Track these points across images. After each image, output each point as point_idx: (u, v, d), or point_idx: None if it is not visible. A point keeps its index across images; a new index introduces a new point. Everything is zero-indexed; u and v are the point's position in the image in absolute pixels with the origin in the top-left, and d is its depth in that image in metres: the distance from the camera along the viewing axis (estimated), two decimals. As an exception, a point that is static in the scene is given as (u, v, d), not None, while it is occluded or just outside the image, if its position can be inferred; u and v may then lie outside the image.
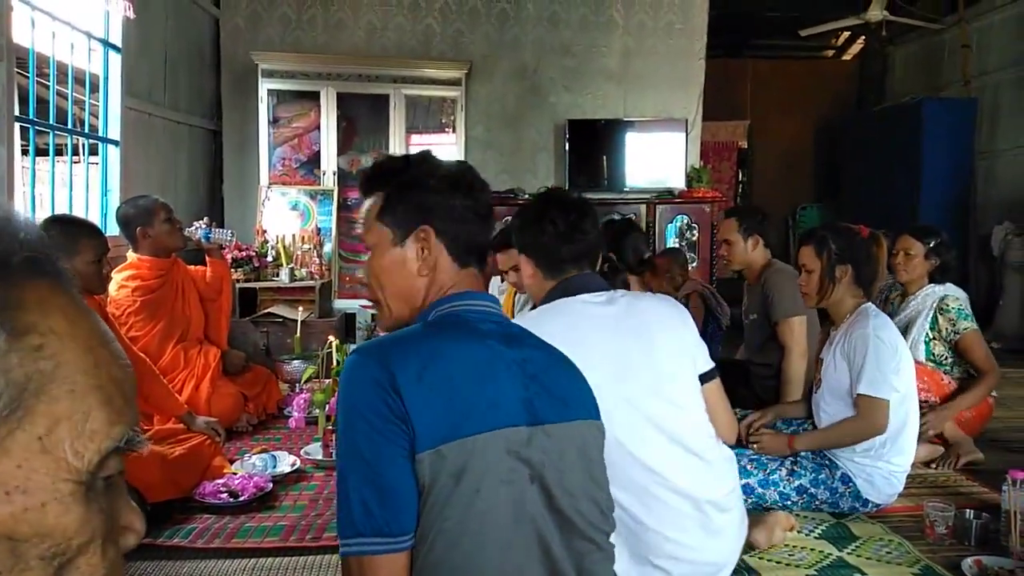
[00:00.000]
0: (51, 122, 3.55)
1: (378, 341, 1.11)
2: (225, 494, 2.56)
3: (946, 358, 3.09)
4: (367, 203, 1.23)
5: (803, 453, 2.52)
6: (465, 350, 1.10)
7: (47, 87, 3.58)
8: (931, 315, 3.03)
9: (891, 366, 2.35)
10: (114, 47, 4.04)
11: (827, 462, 2.46)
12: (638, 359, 1.58)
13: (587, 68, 5.60)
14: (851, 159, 8.05)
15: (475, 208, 1.20)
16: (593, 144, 5.47)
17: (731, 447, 1.81)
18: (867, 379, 2.34)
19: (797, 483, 2.45)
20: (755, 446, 2.54)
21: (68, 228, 2.60)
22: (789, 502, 2.46)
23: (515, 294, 3.98)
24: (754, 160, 8.72)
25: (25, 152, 3.53)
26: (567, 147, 5.42)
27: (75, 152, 3.89)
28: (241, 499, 2.54)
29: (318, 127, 5.17)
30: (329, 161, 5.16)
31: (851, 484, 2.41)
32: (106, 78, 4.05)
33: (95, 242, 2.60)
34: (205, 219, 3.92)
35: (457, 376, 1.06)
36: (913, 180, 6.64)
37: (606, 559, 1.15)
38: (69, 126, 3.75)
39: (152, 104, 4.53)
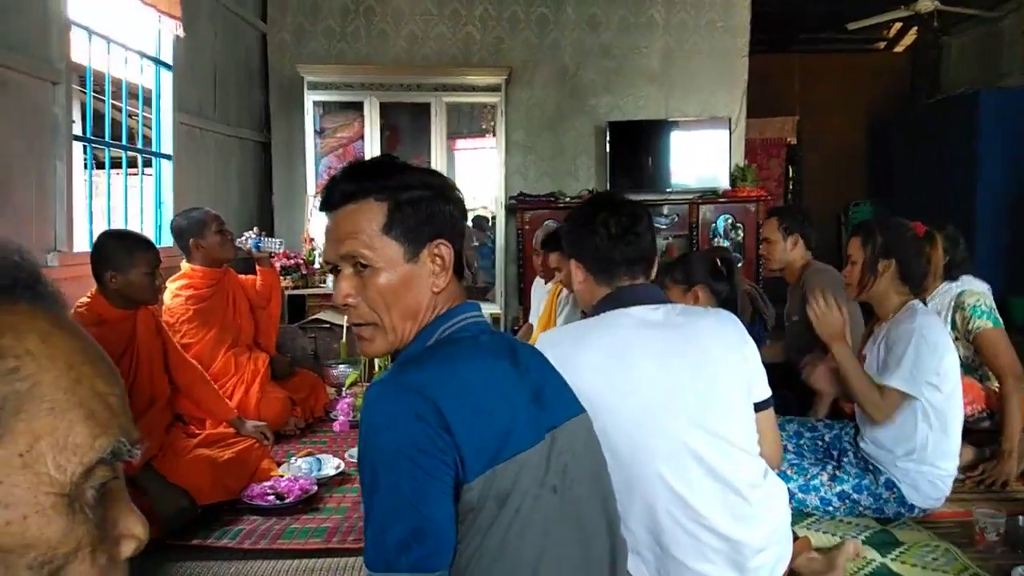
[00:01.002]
0: (107, 139, 3.70)
1: (403, 370, 1.05)
2: (272, 496, 2.64)
3: (972, 360, 2.90)
4: (359, 215, 1.11)
5: (845, 459, 2.48)
6: (484, 367, 1.08)
7: (106, 104, 3.74)
8: (950, 315, 2.87)
9: (930, 366, 2.29)
10: (165, 65, 4.20)
11: (871, 468, 2.42)
12: (687, 387, 1.48)
13: (627, 69, 5.58)
14: (904, 154, 7.83)
15: (462, 215, 1.19)
16: (635, 145, 5.45)
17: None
18: (902, 374, 2.29)
19: (839, 489, 2.40)
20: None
21: (122, 242, 2.71)
22: (831, 507, 2.42)
23: (559, 293, 3.97)
24: (804, 157, 8.55)
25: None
26: (608, 149, 5.40)
27: (133, 165, 4.06)
28: (287, 501, 2.62)
29: (362, 136, 5.28)
30: (373, 169, 5.25)
31: (895, 489, 2.36)
32: (158, 95, 4.20)
33: (148, 255, 2.71)
34: (255, 229, 4.04)
35: (487, 395, 1.04)
36: (970, 175, 6.42)
37: (625, 547, 1.22)
38: (124, 142, 3.90)
39: (203, 119, 4.68)
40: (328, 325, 4.66)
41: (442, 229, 1.13)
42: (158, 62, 4.16)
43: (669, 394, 1.47)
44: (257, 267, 3.91)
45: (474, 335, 1.13)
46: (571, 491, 1.09)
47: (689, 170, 5.44)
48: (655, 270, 1.69)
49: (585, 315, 1.70)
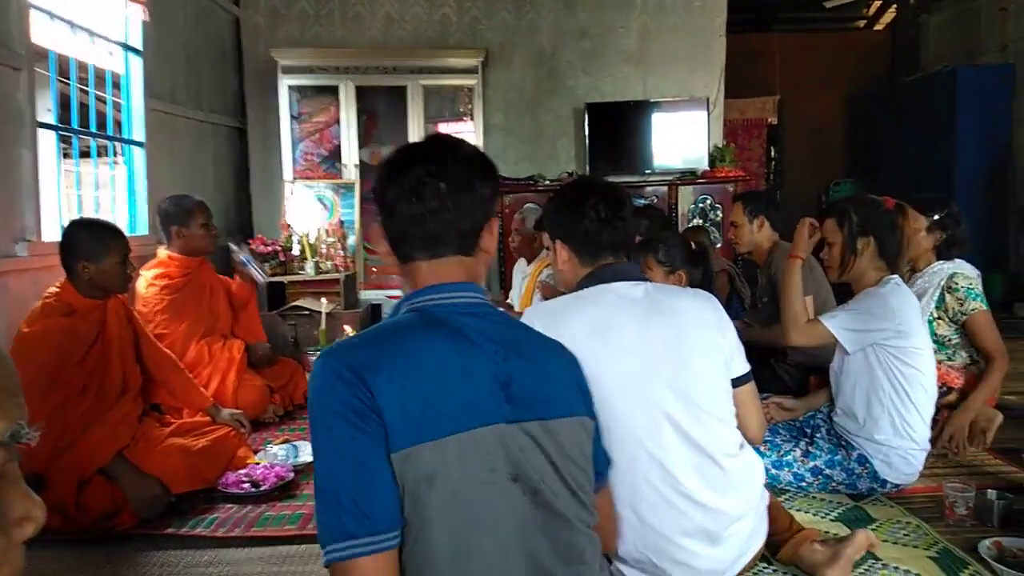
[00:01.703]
0: (74, 126, 3.63)
1: (345, 342, 1.11)
2: (247, 484, 2.63)
3: (950, 340, 2.91)
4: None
5: (818, 435, 2.50)
6: (434, 346, 1.07)
7: (72, 89, 3.67)
8: (938, 293, 2.87)
9: (877, 326, 2.31)
10: (134, 50, 4.12)
11: (843, 443, 2.43)
12: (665, 358, 1.54)
13: (605, 50, 5.55)
14: (885, 132, 7.85)
15: (428, 187, 1.12)
16: (613, 127, 5.43)
17: None
18: (839, 318, 2.37)
19: (812, 464, 2.42)
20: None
21: (94, 232, 2.68)
22: (804, 483, 2.44)
23: (538, 273, 3.96)
24: (785, 137, 8.55)
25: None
26: (587, 131, 5.38)
27: (106, 154, 4.00)
28: (262, 489, 2.61)
29: (338, 121, 5.22)
30: (350, 154, 5.21)
31: (868, 465, 2.38)
32: (127, 80, 4.13)
33: (120, 244, 2.68)
34: (247, 249, 4.00)
35: (426, 375, 1.04)
36: (948, 151, 6.45)
37: (592, 544, 1.15)
38: (93, 129, 3.84)
39: (175, 105, 4.61)
40: (308, 312, 4.63)
41: (380, 211, 1.17)
42: (127, 47, 4.08)
43: (648, 362, 1.53)
44: (236, 275, 3.89)
45: (434, 315, 1.11)
46: (542, 489, 1.07)
47: (668, 151, 5.43)
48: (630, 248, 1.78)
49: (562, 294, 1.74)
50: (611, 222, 1.63)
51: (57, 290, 2.70)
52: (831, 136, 8.64)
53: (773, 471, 2.42)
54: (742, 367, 1.67)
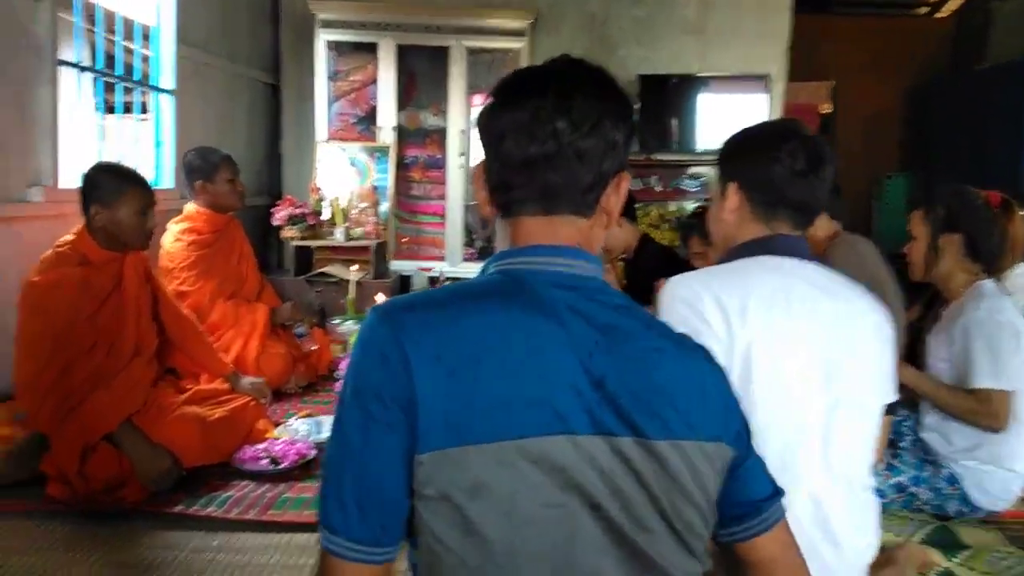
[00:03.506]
0: (99, 67, 3.41)
1: (401, 300, 0.87)
2: (265, 460, 2.42)
3: None
4: None
5: (902, 447, 2.22)
6: (509, 321, 0.83)
7: (97, 32, 3.45)
8: None
9: (1009, 348, 2.02)
10: (168, -9, 3.89)
11: (930, 459, 2.16)
12: (844, 365, 1.24)
13: (661, 19, 5.21)
14: (943, 125, 7.44)
15: (533, 128, 0.87)
16: (665, 101, 5.11)
17: None
18: (984, 370, 2.01)
19: (895, 480, 2.15)
20: None
21: (111, 175, 2.48)
22: (885, 500, 2.17)
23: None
24: (837, 125, 8.17)
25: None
26: (637, 104, 5.07)
27: (138, 110, 3.79)
28: (281, 467, 2.39)
29: (375, 81, 4.96)
30: (387, 117, 4.95)
31: (958, 486, 2.11)
32: (159, 25, 3.90)
33: (139, 191, 2.46)
34: (305, 327, 3.76)
35: (490, 357, 0.80)
36: (1015, 147, 6.07)
37: None
38: (119, 72, 3.62)
39: (208, 54, 4.38)
40: (335, 280, 4.42)
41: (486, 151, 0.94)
42: (160, -12, 3.85)
43: (826, 371, 1.23)
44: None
45: (521, 282, 0.86)
46: (628, 527, 0.82)
47: (721, 131, 5.09)
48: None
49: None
50: (806, 176, 1.31)
51: (72, 238, 2.50)
52: (886, 126, 8.23)
53: (851, 484, 2.16)
54: (895, 393, 1.34)
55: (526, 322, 0.83)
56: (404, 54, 4.95)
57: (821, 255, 2.95)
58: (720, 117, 5.10)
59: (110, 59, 3.59)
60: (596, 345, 0.83)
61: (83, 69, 3.24)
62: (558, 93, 0.87)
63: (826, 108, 8.02)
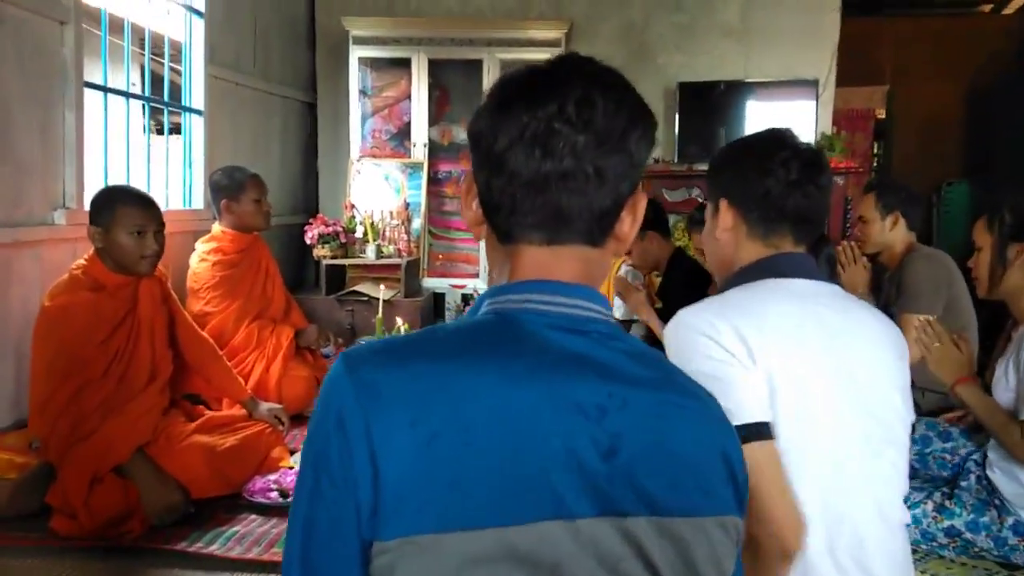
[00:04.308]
0: (126, 89, 3.41)
1: (378, 346, 0.72)
2: (275, 493, 2.33)
3: None
4: None
5: (964, 486, 2.00)
6: (503, 377, 0.69)
7: (126, 51, 3.46)
8: None
9: None
10: (197, 12, 3.89)
11: (996, 501, 1.93)
12: (865, 394, 1.15)
13: (702, 24, 5.03)
14: (1008, 129, 7.03)
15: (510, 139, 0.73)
16: (707, 109, 4.91)
17: None
18: None
19: (948, 524, 1.93)
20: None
21: (105, 195, 2.47)
22: (936, 543, 1.95)
23: (617, 269, 3.61)
24: (893, 130, 7.81)
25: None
26: (678, 113, 4.89)
27: (167, 130, 3.79)
28: (290, 499, 2.29)
29: (409, 97, 4.90)
30: (420, 132, 4.88)
31: (1025, 535, 1.88)
32: (189, 45, 3.91)
33: (132, 211, 2.40)
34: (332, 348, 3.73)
35: (477, 422, 0.66)
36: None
37: None
38: (147, 93, 3.62)
39: (240, 73, 4.38)
40: (366, 298, 4.35)
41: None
42: (190, 9, 3.85)
43: (852, 393, 1.13)
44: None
45: (515, 321, 0.73)
46: None
47: (767, 139, 4.87)
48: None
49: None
50: (802, 186, 1.21)
51: (84, 263, 2.46)
52: (945, 132, 7.84)
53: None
54: (912, 412, 1.22)
55: (523, 379, 0.69)
56: (436, 68, 4.88)
57: (897, 267, 2.74)
58: (766, 123, 4.86)
59: (149, 80, 3.60)
60: (609, 399, 0.69)
61: (108, 91, 3.24)
62: (579, 100, 0.72)
63: (881, 113, 7.68)
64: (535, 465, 0.66)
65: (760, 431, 1.05)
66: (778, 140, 1.25)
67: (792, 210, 1.21)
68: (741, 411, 1.03)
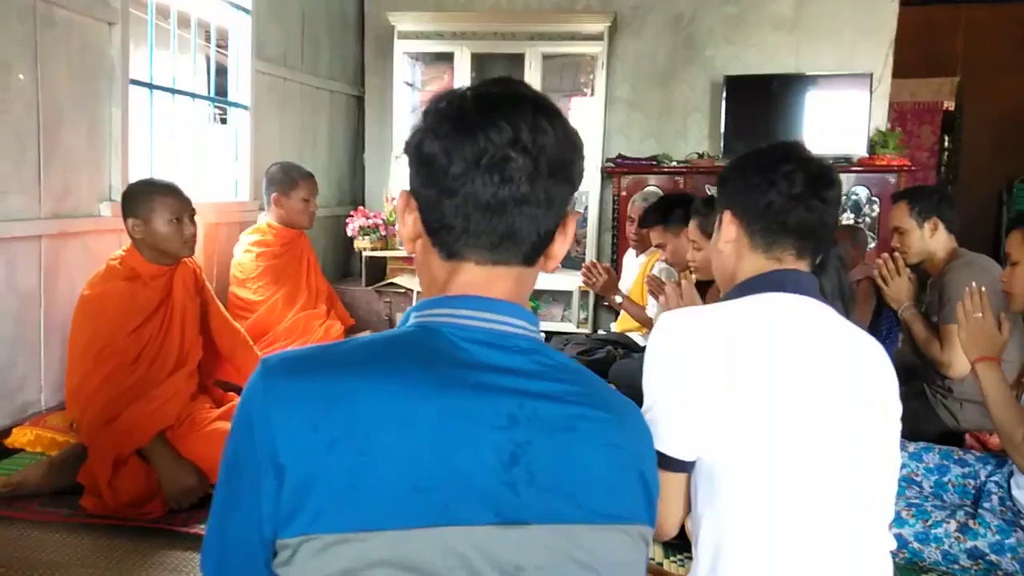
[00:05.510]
0: (173, 86, 3.53)
1: (293, 355, 0.75)
2: (292, 481, 2.39)
3: None
4: None
5: (987, 507, 1.91)
6: (411, 387, 0.71)
7: (172, 46, 3.58)
8: None
9: None
10: (243, 8, 3.99)
11: (1022, 522, 1.84)
12: (853, 415, 1.11)
13: (752, 16, 4.88)
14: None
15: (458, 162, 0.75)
16: (756, 103, 4.77)
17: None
18: None
19: (971, 544, 1.85)
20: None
21: (143, 187, 2.57)
22: (957, 565, 1.87)
23: (651, 266, 3.60)
24: (963, 124, 7.46)
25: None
26: (724, 107, 4.77)
27: (213, 120, 3.92)
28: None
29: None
30: (462, 126, 4.90)
31: (1054, 555, 1.79)
32: (235, 40, 4.01)
33: (170, 199, 2.51)
34: None
35: (381, 429, 0.69)
36: None
37: None
38: (192, 89, 3.74)
39: (287, 68, 4.48)
40: (404, 290, 4.42)
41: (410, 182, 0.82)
42: (235, 6, 3.96)
43: (839, 414, 1.10)
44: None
45: (435, 333, 0.75)
46: None
47: (819, 133, 4.71)
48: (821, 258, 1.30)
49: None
50: (806, 200, 1.19)
51: (122, 254, 2.57)
52: (1019, 125, 7.44)
53: (916, 544, 1.88)
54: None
55: (432, 389, 0.71)
56: (479, 62, 4.89)
57: (940, 274, 2.62)
58: (817, 118, 4.71)
59: (214, 73, 3.73)
60: (519, 410, 0.72)
61: (154, 88, 3.37)
62: (534, 128, 0.75)
63: (950, 105, 7.34)
64: (434, 473, 0.68)
65: (678, 466, 1.08)
66: (785, 152, 1.24)
67: (795, 224, 1.20)
68: (667, 438, 1.06)
